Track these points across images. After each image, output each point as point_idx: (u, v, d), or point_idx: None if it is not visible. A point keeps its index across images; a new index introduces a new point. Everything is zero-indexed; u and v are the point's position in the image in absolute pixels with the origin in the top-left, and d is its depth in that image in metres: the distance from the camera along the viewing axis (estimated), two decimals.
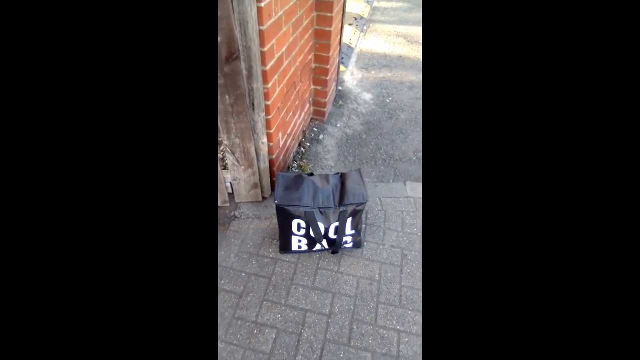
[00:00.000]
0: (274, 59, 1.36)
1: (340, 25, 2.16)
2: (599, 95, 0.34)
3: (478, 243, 0.37)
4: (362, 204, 1.34)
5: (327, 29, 1.89)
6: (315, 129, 2.29)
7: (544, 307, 0.34)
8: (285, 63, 1.52)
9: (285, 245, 1.46)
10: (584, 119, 0.35)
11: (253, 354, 1.23)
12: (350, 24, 3.69)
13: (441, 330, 0.38)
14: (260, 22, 1.17)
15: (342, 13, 2.11)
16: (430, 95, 0.40)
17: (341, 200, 1.35)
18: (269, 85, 1.36)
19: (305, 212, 1.32)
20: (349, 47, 3.28)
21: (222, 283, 1.42)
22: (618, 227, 0.32)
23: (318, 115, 2.33)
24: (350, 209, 1.33)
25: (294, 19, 1.50)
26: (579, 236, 0.34)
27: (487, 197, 0.37)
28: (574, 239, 0.34)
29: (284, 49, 1.45)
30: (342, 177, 1.45)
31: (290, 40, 1.52)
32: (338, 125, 2.36)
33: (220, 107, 1.31)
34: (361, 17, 3.96)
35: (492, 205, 0.37)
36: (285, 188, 1.36)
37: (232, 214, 1.67)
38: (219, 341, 1.26)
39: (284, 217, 1.35)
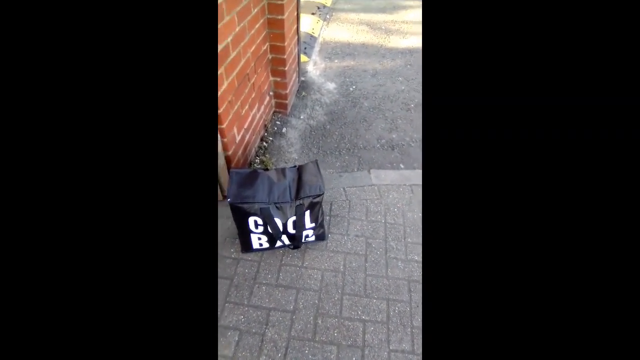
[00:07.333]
0: (218, 50, 1.29)
1: (295, 13, 2.09)
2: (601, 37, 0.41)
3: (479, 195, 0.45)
4: (318, 195, 1.30)
5: (280, 17, 1.83)
6: (278, 122, 2.23)
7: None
8: (233, 54, 1.45)
9: (246, 245, 1.41)
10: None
11: None
12: (313, 13, 3.62)
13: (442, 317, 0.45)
14: None
15: (295, 0, 2.04)
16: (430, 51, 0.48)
17: (297, 194, 1.31)
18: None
19: (260, 208, 1.27)
20: (312, 36, 3.22)
21: None
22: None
23: (280, 107, 2.27)
24: (307, 202, 1.30)
25: (239, 8, 1.43)
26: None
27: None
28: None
29: (229, 39, 1.38)
30: (299, 170, 1.41)
31: (237, 30, 1.45)
32: (301, 117, 2.31)
33: None
34: (324, 6, 3.89)
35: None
36: (239, 185, 1.31)
37: None
38: None
39: (240, 216, 1.30)
